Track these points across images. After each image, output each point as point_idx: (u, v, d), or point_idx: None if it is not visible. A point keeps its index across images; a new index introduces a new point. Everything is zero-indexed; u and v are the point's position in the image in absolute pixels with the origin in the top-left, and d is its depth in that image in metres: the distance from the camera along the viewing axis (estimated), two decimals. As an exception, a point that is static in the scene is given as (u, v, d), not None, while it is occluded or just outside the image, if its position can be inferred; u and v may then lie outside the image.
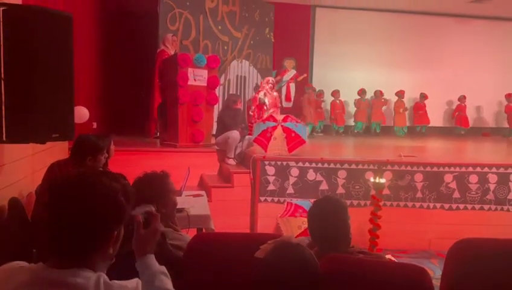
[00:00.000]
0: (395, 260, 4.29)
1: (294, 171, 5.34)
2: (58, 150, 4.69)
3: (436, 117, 10.94)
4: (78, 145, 3.24)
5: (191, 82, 6.27)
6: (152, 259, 1.37)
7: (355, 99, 10.27)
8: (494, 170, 5.32)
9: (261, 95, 7.46)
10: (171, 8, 7.68)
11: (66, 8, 4.34)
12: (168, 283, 1.34)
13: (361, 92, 10.13)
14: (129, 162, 5.17)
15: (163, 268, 1.38)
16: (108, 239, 1.17)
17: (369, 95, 10.32)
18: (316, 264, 1.51)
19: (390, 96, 10.36)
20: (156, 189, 2.21)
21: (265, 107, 7.26)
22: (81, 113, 4.82)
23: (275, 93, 7.81)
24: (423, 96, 10.40)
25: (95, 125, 7.17)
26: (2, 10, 2.95)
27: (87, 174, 1.19)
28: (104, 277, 1.14)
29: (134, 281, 1.21)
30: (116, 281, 1.16)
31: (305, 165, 5.35)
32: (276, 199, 5.33)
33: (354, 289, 1.72)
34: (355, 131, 10.24)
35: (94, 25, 7.28)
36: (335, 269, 1.83)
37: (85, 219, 1.12)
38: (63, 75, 3.08)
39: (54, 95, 3.02)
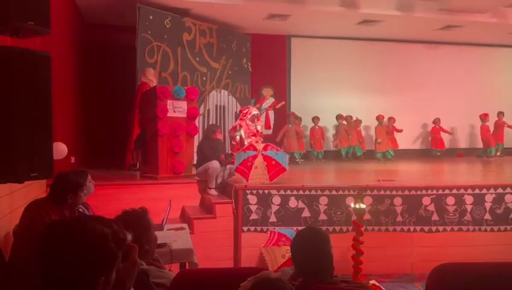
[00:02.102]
0: (379, 285, 4.33)
1: (276, 200, 5.38)
2: (35, 188, 4.61)
3: (412, 140, 11.22)
4: (59, 184, 3.21)
5: (170, 114, 6.31)
6: None
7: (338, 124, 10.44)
8: (469, 191, 5.47)
9: (237, 133, 7.46)
10: (148, 41, 7.78)
11: (44, 47, 4.35)
12: None
13: (338, 118, 10.32)
14: (110, 197, 5.10)
15: None
16: (96, 284, 1.18)
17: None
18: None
19: (365, 121, 10.58)
20: (135, 227, 2.21)
21: (243, 138, 7.29)
22: (60, 149, 4.77)
23: (254, 124, 7.78)
24: (391, 120, 10.60)
25: (73, 159, 7.08)
26: (-21, 51, 2.96)
27: (81, 220, 1.22)
28: None
29: None
30: None
31: (286, 193, 5.39)
32: (259, 228, 5.33)
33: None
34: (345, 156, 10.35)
35: (72, 61, 7.30)
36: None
37: (74, 262, 1.14)
38: (42, 114, 3.08)
39: (32, 134, 3.01)
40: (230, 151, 7.80)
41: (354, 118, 10.41)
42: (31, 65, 2.99)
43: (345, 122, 10.38)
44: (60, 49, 5.89)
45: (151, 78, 7.26)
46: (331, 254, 2.16)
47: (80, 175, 3.40)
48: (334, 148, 10.43)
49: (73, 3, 7.58)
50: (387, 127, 10.46)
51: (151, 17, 7.80)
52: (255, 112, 7.64)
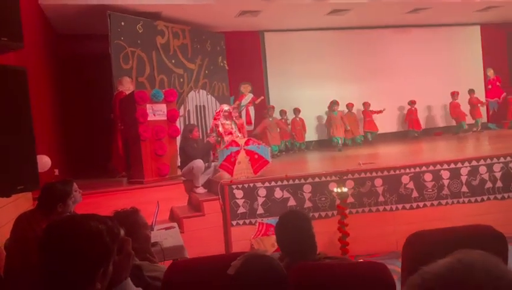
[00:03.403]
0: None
1: (262, 192, 5.51)
2: (22, 202, 4.64)
3: (390, 123, 11.49)
4: (46, 194, 3.27)
5: (150, 117, 6.38)
6: (128, 285, 1.48)
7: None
8: (445, 166, 5.69)
9: (213, 134, 7.45)
10: (122, 48, 7.80)
11: (18, 61, 4.37)
12: None
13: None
14: (98, 204, 5.17)
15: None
16: (95, 276, 1.29)
17: (324, 109, 10.73)
18: (282, 270, 1.66)
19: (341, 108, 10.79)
20: (127, 226, 2.31)
21: (219, 139, 7.33)
22: (43, 162, 4.79)
23: (229, 122, 7.78)
24: (366, 105, 10.87)
25: (56, 172, 7.08)
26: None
27: (76, 219, 1.33)
28: None
29: None
30: None
31: (271, 185, 5.53)
32: (247, 221, 5.46)
33: (322, 290, 1.87)
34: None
35: (47, 73, 7.28)
36: (304, 277, 1.99)
37: (73, 258, 1.25)
38: (23, 127, 3.14)
39: (15, 147, 3.07)
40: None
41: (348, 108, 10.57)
42: (7, 80, 3.05)
43: (345, 110, 10.51)
44: (33, 62, 5.89)
45: (127, 86, 7.31)
46: (313, 234, 2.30)
47: (66, 184, 3.46)
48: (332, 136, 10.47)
49: (42, 15, 7.54)
50: (365, 112, 10.72)
51: (122, 23, 7.82)
52: (225, 107, 7.66)
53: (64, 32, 8.87)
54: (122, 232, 1.50)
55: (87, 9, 7.79)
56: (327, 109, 10.49)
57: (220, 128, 7.31)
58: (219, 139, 7.22)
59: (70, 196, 3.38)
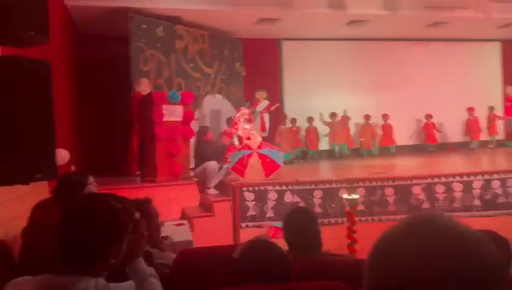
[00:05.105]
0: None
1: (273, 195, 5.55)
2: (40, 193, 4.77)
3: (405, 136, 11.44)
4: (62, 183, 3.37)
5: (166, 118, 6.48)
6: (141, 263, 1.55)
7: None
8: (458, 179, 5.66)
9: (235, 140, 7.57)
10: (142, 50, 7.98)
11: (42, 56, 4.53)
12: (157, 284, 1.52)
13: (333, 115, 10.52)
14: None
15: (152, 270, 1.55)
16: (109, 252, 1.36)
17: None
18: (284, 253, 1.71)
19: (358, 119, 10.82)
20: (140, 213, 2.38)
21: (232, 142, 7.41)
22: (62, 155, 4.93)
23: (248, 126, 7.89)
24: (385, 118, 10.85)
25: (73, 168, 7.25)
26: (-17, 62, 3.14)
27: (95, 197, 1.42)
28: (102, 280, 1.33)
29: (129, 283, 1.39)
30: (112, 284, 1.34)
31: (282, 189, 5.57)
32: (257, 224, 5.50)
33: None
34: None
35: (69, 71, 7.49)
36: (308, 270, 2.04)
37: (90, 231, 1.32)
38: (44, 119, 3.26)
39: (35, 137, 3.19)
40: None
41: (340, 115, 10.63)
42: (31, 72, 3.18)
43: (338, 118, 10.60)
44: (56, 59, 6.07)
45: (145, 87, 7.46)
46: (319, 230, 2.35)
47: (82, 175, 3.57)
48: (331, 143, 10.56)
49: (67, 14, 7.78)
50: (383, 126, 10.73)
51: (143, 26, 8.01)
52: (245, 111, 7.77)
53: (86, 33, 9.11)
54: (137, 214, 1.58)
55: (110, 11, 8.00)
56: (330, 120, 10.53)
57: (240, 132, 7.40)
58: (232, 142, 7.31)
59: (85, 187, 3.48)
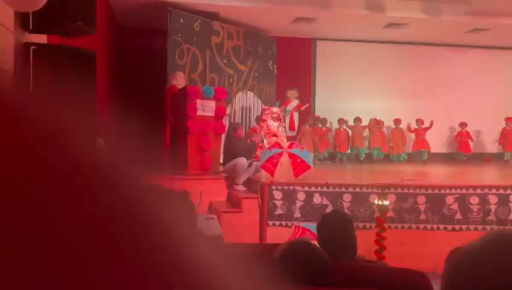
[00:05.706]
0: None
1: (301, 196, 5.53)
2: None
3: (438, 144, 11.17)
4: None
5: (199, 113, 6.56)
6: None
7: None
8: (494, 191, 5.49)
9: (262, 137, 7.59)
10: (179, 44, 8.09)
11: (85, 45, 4.67)
12: None
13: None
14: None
15: None
16: None
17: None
18: (324, 255, 1.71)
19: (390, 123, 10.66)
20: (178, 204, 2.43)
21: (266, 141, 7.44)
22: (99, 142, 5.08)
23: (275, 124, 7.92)
24: (419, 123, 10.62)
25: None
26: (33, 49, 3.27)
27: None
28: None
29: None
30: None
31: (311, 190, 5.54)
32: (284, 223, 5.49)
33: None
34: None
35: (107, 62, 7.68)
36: (344, 275, 2.02)
37: None
38: (87, 106, 3.37)
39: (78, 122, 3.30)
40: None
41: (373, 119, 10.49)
42: (79, 61, 3.29)
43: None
44: (98, 49, 6.23)
45: (180, 81, 7.56)
46: (354, 236, 2.32)
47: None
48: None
49: (107, 6, 7.96)
50: (415, 130, 10.51)
51: (181, 20, 8.12)
52: (274, 109, 7.82)
53: (125, 25, 9.30)
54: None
55: (149, 5, 8.16)
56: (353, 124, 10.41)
57: (266, 129, 7.43)
58: (261, 139, 7.34)
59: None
